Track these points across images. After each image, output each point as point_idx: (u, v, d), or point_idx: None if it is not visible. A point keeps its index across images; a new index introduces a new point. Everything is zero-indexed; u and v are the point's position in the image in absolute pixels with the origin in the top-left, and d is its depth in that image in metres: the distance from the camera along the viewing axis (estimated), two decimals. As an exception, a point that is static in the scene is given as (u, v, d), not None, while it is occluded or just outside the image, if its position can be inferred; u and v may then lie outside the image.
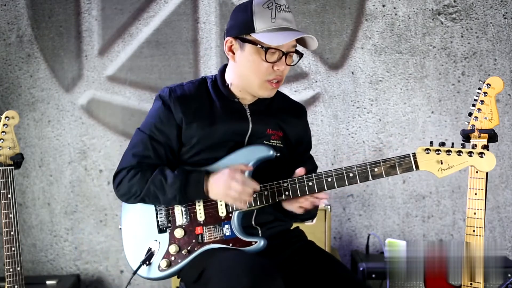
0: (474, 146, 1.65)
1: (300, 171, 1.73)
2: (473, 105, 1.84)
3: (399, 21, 3.12)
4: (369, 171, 1.66)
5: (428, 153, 1.64)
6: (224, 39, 1.79)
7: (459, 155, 1.63)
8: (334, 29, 3.14)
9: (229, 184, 1.66)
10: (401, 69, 3.14)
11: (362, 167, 1.67)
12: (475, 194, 1.85)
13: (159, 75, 3.18)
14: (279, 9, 1.70)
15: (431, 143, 1.65)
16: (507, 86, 3.11)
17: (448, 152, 1.63)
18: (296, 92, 3.15)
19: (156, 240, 1.79)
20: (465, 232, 1.87)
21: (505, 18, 3.09)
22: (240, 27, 1.73)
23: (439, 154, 1.63)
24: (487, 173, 1.86)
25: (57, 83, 3.18)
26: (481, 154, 1.62)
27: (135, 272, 1.78)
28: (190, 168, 1.77)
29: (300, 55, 1.78)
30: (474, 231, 1.85)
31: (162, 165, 1.77)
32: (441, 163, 1.63)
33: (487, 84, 1.82)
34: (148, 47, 3.17)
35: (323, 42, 3.15)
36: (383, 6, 3.12)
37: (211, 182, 1.70)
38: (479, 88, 1.84)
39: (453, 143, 1.68)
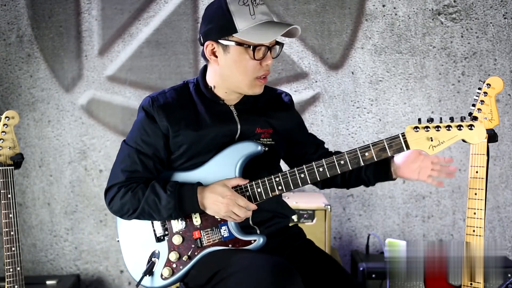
0: (463, 119, 1.63)
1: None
2: (473, 105, 1.84)
3: (399, 21, 3.12)
4: (359, 156, 1.65)
5: (417, 131, 1.61)
6: (202, 43, 1.75)
7: (449, 130, 1.60)
8: (334, 29, 3.14)
9: (231, 209, 1.67)
10: (401, 69, 3.14)
11: (352, 153, 1.65)
12: (475, 194, 1.85)
13: (159, 75, 3.18)
14: (255, 3, 1.67)
15: (419, 121, 1.62)
16: (507, 86, 3.11)
17: (437, 128, 1.60)
18: (296, 92, 3.15)
19: (155, 250, 1.78)
20: (465, 232, 1.87)
21: (505, 18, 3.09)
22: (220, 29, 1.69)
23: (428, 131, 1.60)
24: (487, 173, 1.86)
25: (57, 83, 3.19)
26: (470, 127, 1.58)
27: (138, 284, 1.77)
28: (181, 179, 1.76)
29: (281, 45, 1.76)
30: (474, 231, 1.85)
31: (152, 179, 1.76)
32: (431, 140, 1.60)
33: (487, 84, 1.82)
34: (148, 47, 3.17)
35: (323, 42, 3.14)
36: (383, 6, 3.12)
37: (207, 197, 1.69)
38: (479, 88, 1.84)
39: (441, 118, 1.65)
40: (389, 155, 1.65)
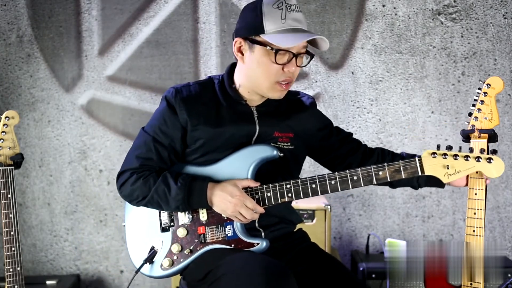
0: (483, 151, 1.61)
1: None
2: (473, 105, 1.84)
3: (399, 21, 3.12)
4: (373, 175, 1.65)
5: (434, 157, 1.61)
6: (233, 39, 1.76)
7: (467, 160, 1.59)
8: (334, 29, 3.14)
9: (239, 209, 1.67)
10: (401, 69, 3.14)
11: (366, 170, 1.66)
12: (475, 194, 1.85)
13: (159, 75, 3.18)
14: (289, 9, 1.67)
15: (438, 147, 1.62)
16: (507, 86, 3.11)
17: (455, 156, 1.59)
18: (296, 92, 3.15)
19: (159, 239, 1.79)
20: (465, 232, 1.87)
21: (505, 18, 3.09)
22: (249, 28, 1.70)
23: (445, 158, 1.60)
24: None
25: (57, 83, 3.19)
26: (489, 160, 1.58)
27: (137, 271, 1.79)
28: (193, 173, 1.76)
29: (311, 56, 1.76)
30: (474, 231, 1.85)
31: (165, 169, 1.77)
32: (448, 168, 1.60)
33: (487, 84, 1.82)
34: (148, 47, 3.17)
35: (323, 42, 3.14)
36: (383, 6, 3.12)
37: (217, 195, 1.69)
38: (479, 88, 1.84)
39: (460, 147, 1.64)
40: (403, 177, 1.64)
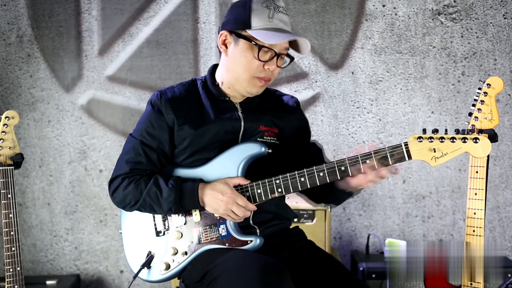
0: (468, 132, 1.62)
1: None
2: (473, 105, 1.85)
3: (399, 21, 3.12)
4: (360, 164, 1.65)
5: (420, 141, 1.60)
6: (219, 33, 1.80)
7: (453, 141, 1.58)
8: (334, 29, 3.14)
9: (230, 207, 1.68)
10: (401, 69, 3.14)
11: (353, 159, 1.66)
12: (475, 194, 1.85)
13: (159, 75, 3.18)
14: (277, 10, 1.72)
15: (424, 131, 1.61)
16: (507, 86, 3.11)
17: (441, 139, 1.59)
18: (296, 92, 3.15)
19: (154, 244, 1.80)
20: (465, 232, 1.87)
21: (505, 18, 3.09)
22: (236, 22, 1.74)
23: (432, 141, 1.59)
24: (487, 173, 1.86)
25: (57, 83, 3.19)
26: (475, 140, 1.57)
27: (135, 276, 1.81)
28: (184, 175, 1.77)
29: (291, 58, 1.80)
30: (474, 231, 1.85)
31: (155, 172, 1.78)
32: (434, 151, 1.59)
33: (487, 84, 1.82)
34: (148, 47, 3.17)
35: (323, 42, 3.14)
36: (383, 6, 3.12)
37: (208, 194, 1.70)
38: (479, 88, 1.84)
39: (446, 130, 1.64)
40: (390, 163, 1.63)
